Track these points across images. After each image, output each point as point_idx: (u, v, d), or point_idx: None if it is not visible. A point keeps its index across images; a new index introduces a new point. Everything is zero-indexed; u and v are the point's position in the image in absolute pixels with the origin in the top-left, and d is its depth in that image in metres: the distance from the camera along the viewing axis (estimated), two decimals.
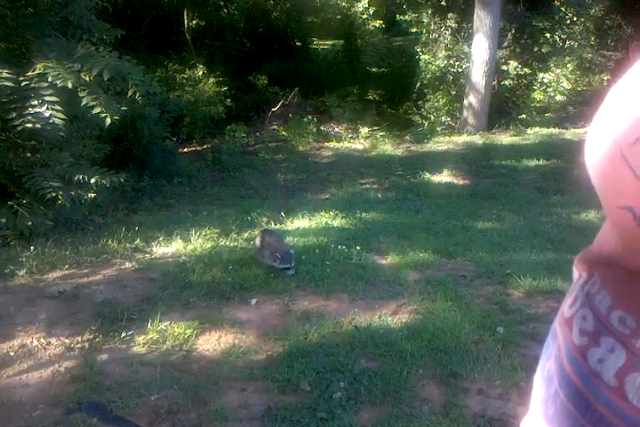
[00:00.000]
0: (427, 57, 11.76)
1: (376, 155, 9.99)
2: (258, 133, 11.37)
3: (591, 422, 0.48)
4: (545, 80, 11.55)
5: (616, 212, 0.43)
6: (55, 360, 3.19)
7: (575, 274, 0.57)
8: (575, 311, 0.52)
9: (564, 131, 11.05)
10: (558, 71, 11.57)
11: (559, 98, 11.49)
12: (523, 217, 6.20)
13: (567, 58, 11.75)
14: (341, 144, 10.90)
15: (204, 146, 10.19)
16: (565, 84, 11.47)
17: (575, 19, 11.76)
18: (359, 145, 10.89)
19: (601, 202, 0.47)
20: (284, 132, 11.15)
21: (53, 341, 3.38)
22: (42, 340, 3.37)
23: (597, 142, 0.45)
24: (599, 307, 0.49)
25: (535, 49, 11.60)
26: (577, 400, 0.49)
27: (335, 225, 5.74)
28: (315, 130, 11.22)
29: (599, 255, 0.51)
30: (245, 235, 5.37)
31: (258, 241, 4.55)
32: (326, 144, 10.91)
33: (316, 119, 11.61)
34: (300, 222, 5.83)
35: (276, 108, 12.06)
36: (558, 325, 0.55)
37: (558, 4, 11.61)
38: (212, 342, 3.42)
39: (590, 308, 0.50)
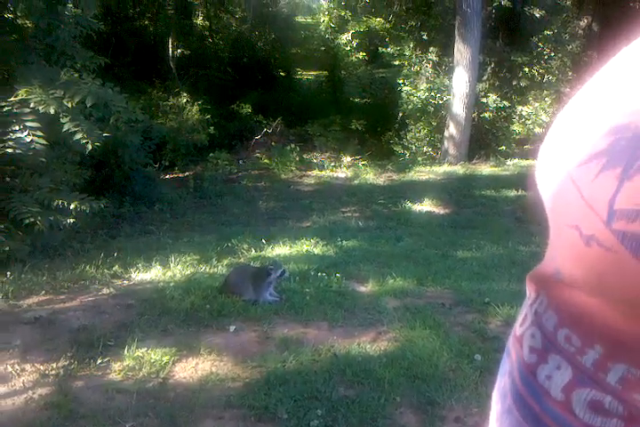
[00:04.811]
0: (408, 89, 11.96)
1: (358, 184, 10.07)
2: (241, 161, 11.43)
3: None
4: (524, 113, 11.79)
5: (565, 231, 0.45)
6: (29, 387, 3.13)
7: (527, 293, 0.59)
8: (525, 330, 0.54)
9: None
10: (537, 104, 11.82)
11: (538, 130, 11.69)
12: (502, 246, 6.25)
13: (545, 92, 12.02)
14: (324, 173, 10.98)
15: (187, 173, 10.22)
16: (544, 117, 11.69)
17: (553, 54, 12.08)
18: (341, 174, 10.98)
19: (549, 222, 0.49)
20: (266, 161, 11.22)
21: (28, 367, 3.32)
22: (16, 366, 3.31)
23: (547, 166, 0.48)
24: (546, 325, 0.50)
25: (514, 83, 11.88)
26: (528, 416, 0.51)
27: (316, 253, 5.75)
28: (298, 158, 11.31)
29: (546, 274, 0.53)
30: (225, 261, 5.35)
31: (236, 279, 4.44)
32: (309, 172, 10.99)
33: (299, 148, 11.71)
34: (281, 249, 5.82)
35: (259, 137, 12.15)
36: (511, 343, 0.57)
37: (536, 39, 11.95)
38: (189, 370, 3.38)
39: (538, 326, 0.52)
